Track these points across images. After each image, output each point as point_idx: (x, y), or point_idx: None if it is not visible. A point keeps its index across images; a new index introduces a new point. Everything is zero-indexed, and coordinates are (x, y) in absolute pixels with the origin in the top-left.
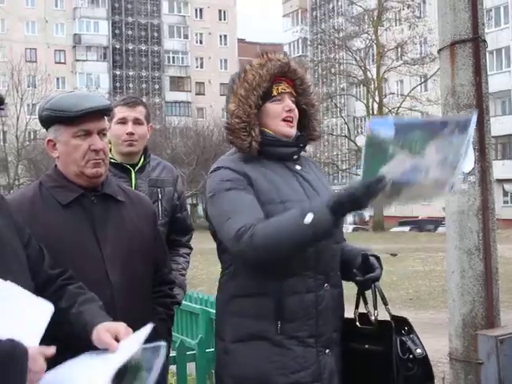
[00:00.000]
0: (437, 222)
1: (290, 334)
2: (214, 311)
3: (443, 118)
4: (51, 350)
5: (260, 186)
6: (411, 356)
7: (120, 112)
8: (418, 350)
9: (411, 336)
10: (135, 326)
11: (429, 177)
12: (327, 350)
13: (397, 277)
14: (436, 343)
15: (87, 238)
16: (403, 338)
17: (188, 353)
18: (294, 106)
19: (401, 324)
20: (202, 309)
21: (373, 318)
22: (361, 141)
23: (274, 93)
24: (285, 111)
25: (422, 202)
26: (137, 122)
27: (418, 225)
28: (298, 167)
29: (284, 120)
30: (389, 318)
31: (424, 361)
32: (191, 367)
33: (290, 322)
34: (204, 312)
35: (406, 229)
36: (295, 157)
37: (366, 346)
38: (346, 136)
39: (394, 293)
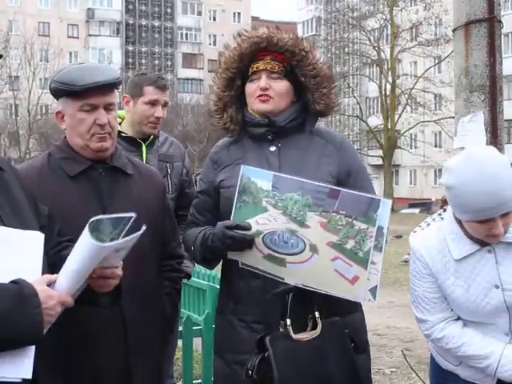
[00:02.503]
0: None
1: None
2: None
3: (336, 188)
4: (53, 276)
5: (225, 170)
6: None
7: (152, 93)
8: None
9: None
10: (140, 299)
11: (323, 261)
12: None
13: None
14: None
15: (93, 210)
16: None
17: (194, 328)
18: (268, 83)
19: None
20: (210, 285)
21: None
22: (372, 121)
23: (250, 72)
24: (258, 90)
25: (333, 293)
26: (165, 105)
27: (428, 207)
28: (272, 148)
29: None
30: None
31: None
32: (197, 342)
33: None
34: (211, 288)
35: (416, 211)
36: (269, 137)
37: None
38: (357, 116)
39: (402, 274)
